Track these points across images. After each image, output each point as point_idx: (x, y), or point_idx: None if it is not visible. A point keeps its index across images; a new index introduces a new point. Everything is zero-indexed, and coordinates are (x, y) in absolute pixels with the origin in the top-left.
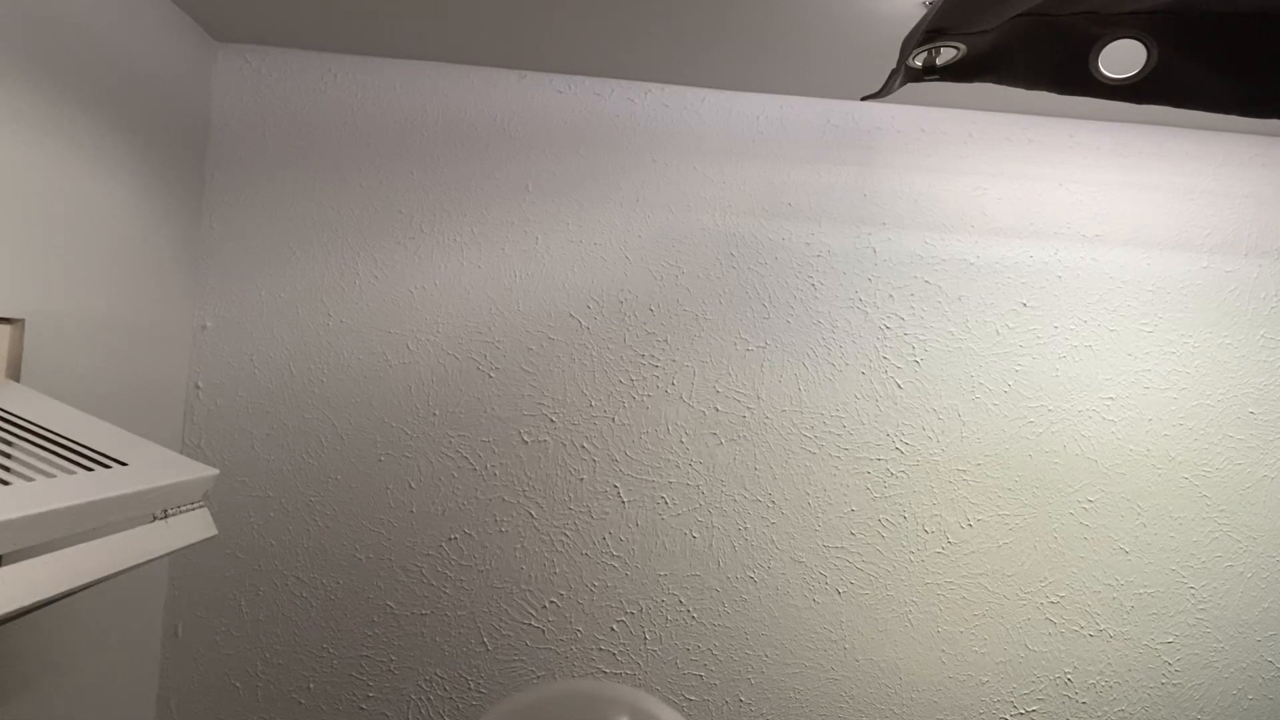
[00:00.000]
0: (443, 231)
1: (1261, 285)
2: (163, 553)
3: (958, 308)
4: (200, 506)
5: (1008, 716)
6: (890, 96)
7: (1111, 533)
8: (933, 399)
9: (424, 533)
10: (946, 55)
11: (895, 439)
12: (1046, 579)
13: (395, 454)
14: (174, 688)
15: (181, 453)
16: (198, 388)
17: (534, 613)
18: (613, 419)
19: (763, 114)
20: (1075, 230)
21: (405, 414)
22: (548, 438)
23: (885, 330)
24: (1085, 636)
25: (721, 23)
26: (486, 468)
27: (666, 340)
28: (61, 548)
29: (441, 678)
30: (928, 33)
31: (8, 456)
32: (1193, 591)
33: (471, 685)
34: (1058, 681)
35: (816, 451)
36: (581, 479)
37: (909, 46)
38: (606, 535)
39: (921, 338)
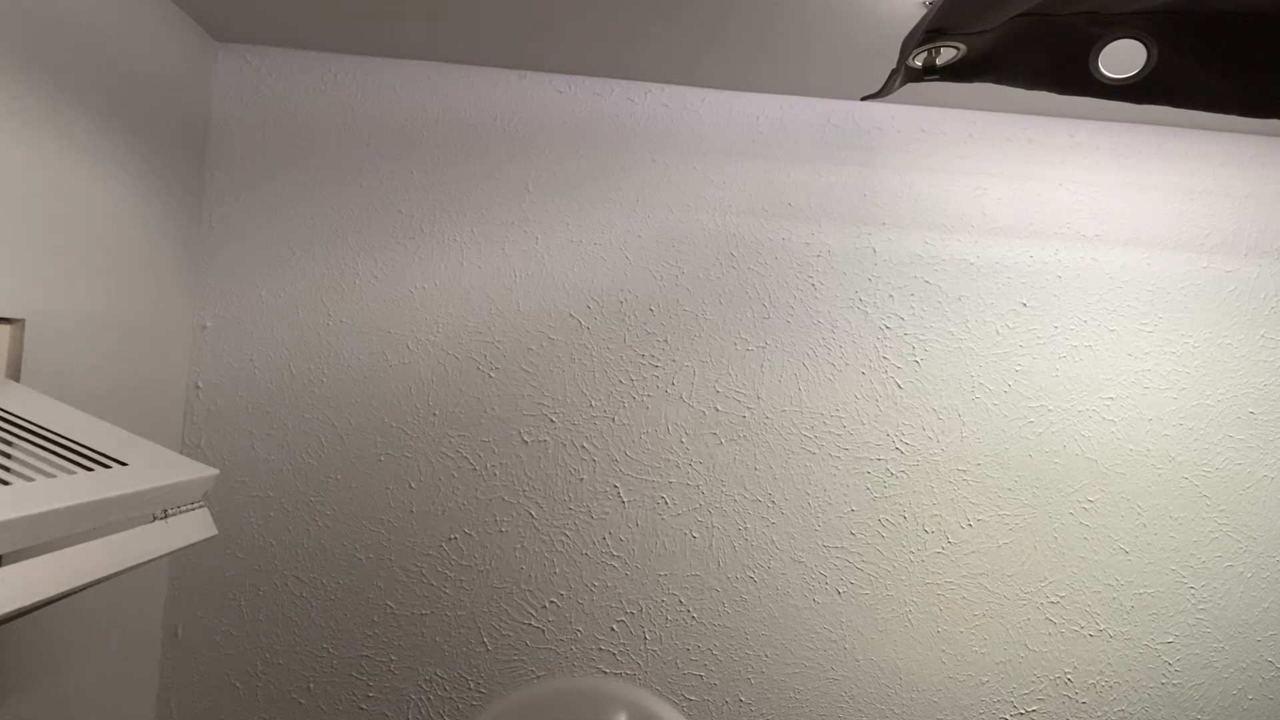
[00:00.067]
0: (443, 231)
1: (1261, 285)
2: (163, 553)
3: (958, 308)
4: (200, 506)
5: (1008, 716)
6: (890, 96)
7: (1111, 533)
8: (933, 399)
9: (424, 533)
10: (946, 55)
11: (895, 439)
12: (1046, 579)
13: (395, 454)
14: (174, 688)
15: (181, 453)
16: (198, 388)
17: (534, 613)
18: (613, 419)
19: (763, 114)
20: (1075, 230)
21: (405, 414)
22: (548, 438)
23: (885, 330)
24: (1085, 636)
25: (721, 23)
26: (486, 468)
27: (666, 340)
28: (61, 548)
29: (441, 678)
30: (928, 33)
31: (8, 456)
32: (1193, 591)
33: (471, 685)
34: (1058, 681)
35: (816, 451)
36: (581, 479)
37: (909, 46)
38: (606, 535)
39: (921, 338)
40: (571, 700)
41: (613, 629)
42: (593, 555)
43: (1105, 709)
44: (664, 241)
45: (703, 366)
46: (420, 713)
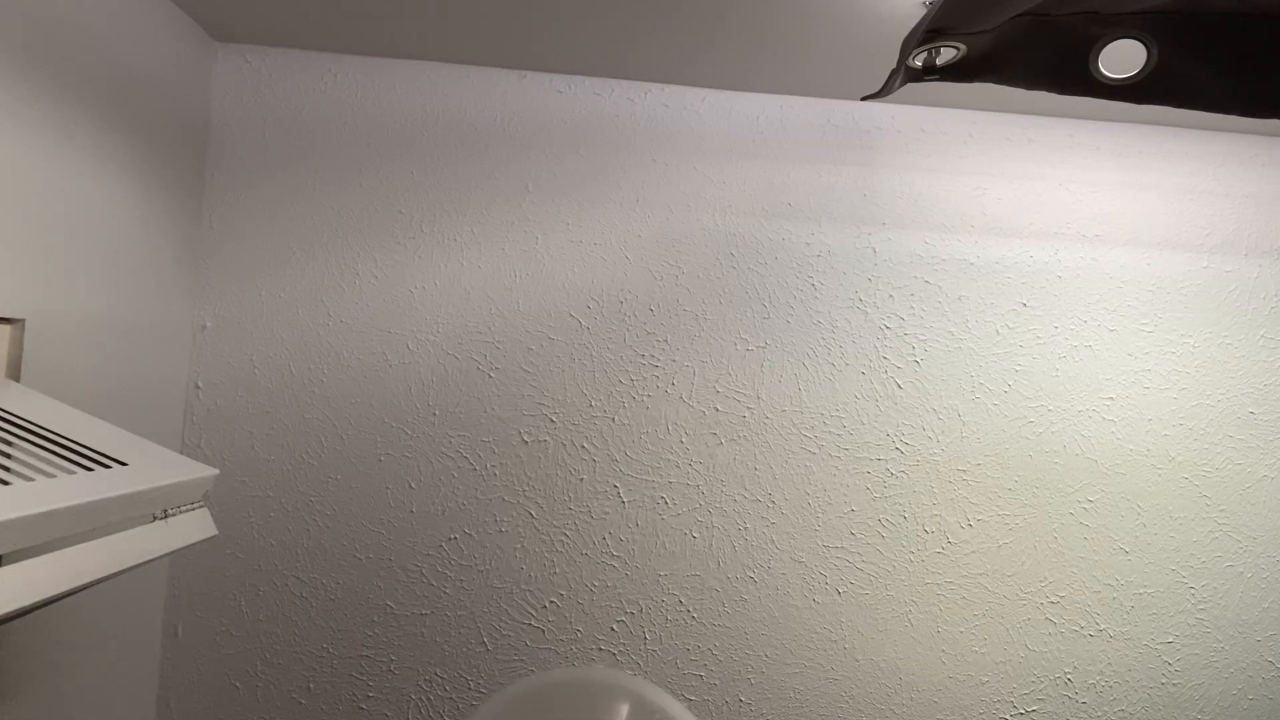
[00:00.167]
0: (443, 231)
1: (1261, 285)
2: (163, 553)
3: (958, 308)
4: (200, 506)
5: (1008, 716)
6: (890, 96)
7: (1111, 533)
8: (933, 399)
9: (424, 533)
10: (946, 55)
11: (895, 439)
12: (1046, 579)
13: (395, 454)
14: (174, 688)
15: (181, 453)
16: (198, 388)
17: (534, 613)
18: (613, 419)
19: (763, 114)
20: (1075, 230)
21: (405, 414)
22: (548, 438)
23: (885, 330)
24: (1085, 636)
25: (721, 23)
26: (486, 468)
27: (666, 340)
28: (61, 548)
29: (441, 678)
30: (928, 33)
31: (8, 456)
32: (1193, 591)
33: (471, 685)
34: (1058, 681)
35: (816, 451)
36: (581, 479)
37: (909, 46)
38: (606, 535)
39: (921, 338)
40: (574, 691)
41: (613, 629)
42: (593, 555)
43: (1105, 709)
44: (664, 241)
45: (703, 366)
46: (420, 713)
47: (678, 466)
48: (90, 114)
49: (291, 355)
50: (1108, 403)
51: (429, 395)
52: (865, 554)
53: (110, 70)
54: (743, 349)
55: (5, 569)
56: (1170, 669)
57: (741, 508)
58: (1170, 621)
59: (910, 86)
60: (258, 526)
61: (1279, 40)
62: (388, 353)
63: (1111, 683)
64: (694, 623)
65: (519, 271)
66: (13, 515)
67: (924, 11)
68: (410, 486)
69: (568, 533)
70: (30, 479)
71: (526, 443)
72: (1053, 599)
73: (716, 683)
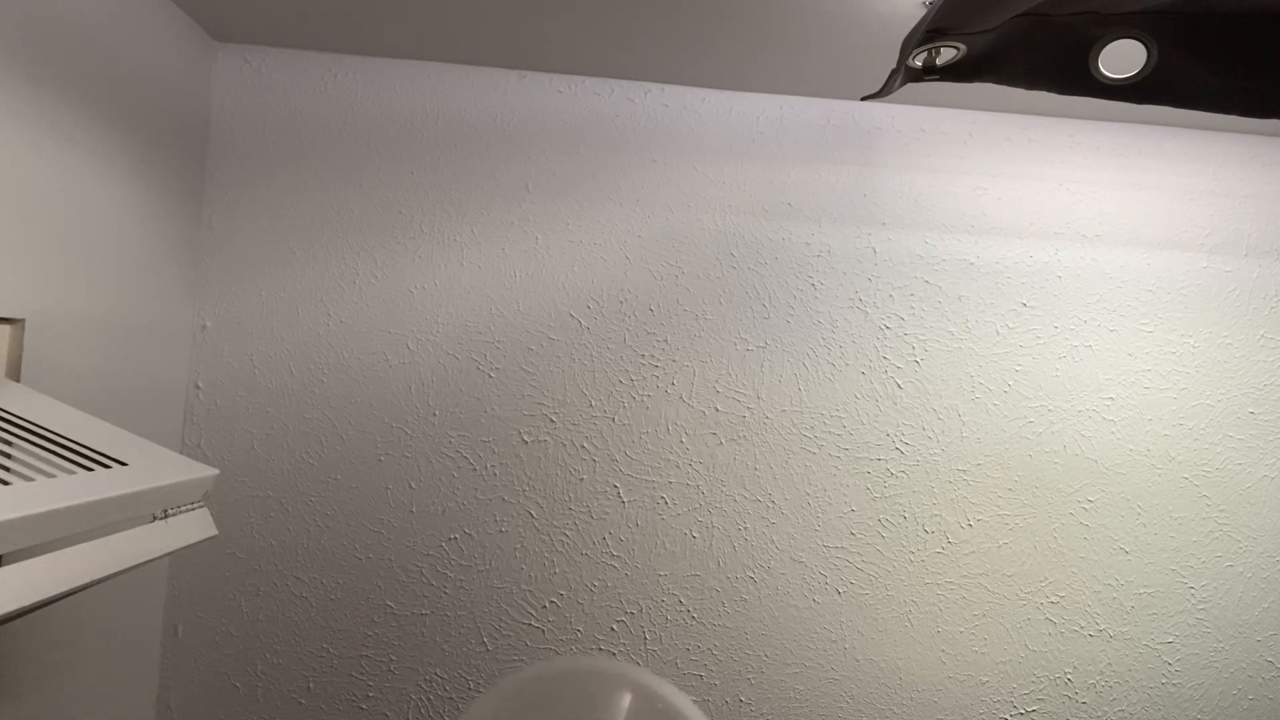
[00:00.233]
0: (443, 231)
1: (1261, 285)
2: (163, 553)
3: (958, 308)
4: (200, 506)
5: (1008, 716)
6: (890, 96)
7: (1111, 533)
8: (933, 399)
9: (424, 533)
10: (946, 55)
11: (895, 439)
12: (1046, 579)
13: (395, 454)
14: (174, 688)
15: (181, 453)
16: (198, 388)
17: (534, 613)
18: (613, 419)
19: (763, 114)
20: (1075, 230)
21: (405, 414)
22: (548, 438)
23: (885, 330)
24: (1085, 636)
25: (722, 23)
26: (486, 468)
27: (666, 340)
28: (61, 548)
29: (441, 678)
30: (928, 33)
31: (8, 456)
32: (1193, 591)
33: (471, 685)
34: (1058, 681)
35: (816, 451)
36: (581, 479)
37: (909, 46)
38: (606, 535)
39: (921, 338)
40: (577, 679)
41: (613, 629)
42: (593, 555)
43: (1105, 709)
44: (664, 241)
45: (703, 366)
46: (420, 713)
47: (678, 466)
48: (90, 114)
49: (291, 355)
50: (1108, 403)
51: (429, 395)
52: (865, 554)
53: (110, 70)
54: (743, 349)
55: (5, 569)
56: (1170, 669)
57: (741, 508)
58: (1170, 621)
59: (910, 86)
60: (258, 526)
61: (1279, 40)
62: (388, 353)
63: (1111, 683)
64: (694, 623)
65: (519, 271)
66: (13, 515)
67: (924, 11)
68: (410, 486)
69: (568, 533)
70: (30, 479)
71: (526, 443)
72: (1053, 599)
73: (716, 683)
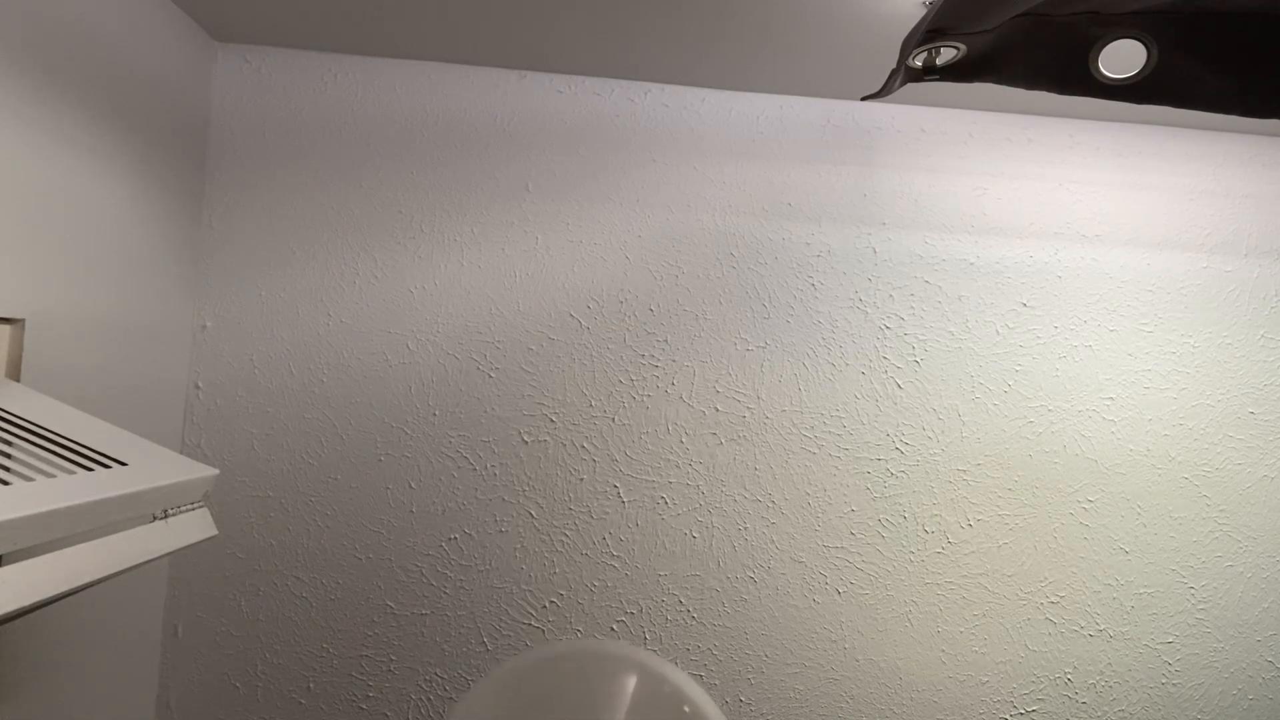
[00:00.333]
0: (443, 231)
1: (1261, 285)
2: (163, 553)
3: (958, 308)
4: (200, 506)
5: (1008, 716)
6: (890, 96)
7: (1111, 533)
8: (933, 399)
9: (424, 533)
10: (946, 55)
11: (895, 439)
12: (1046, 579)
13: (395, 454)
14: (174, 688)
15: (181, 453)
16: (198, 388)
17: (534, 613)
18: (613, 419)
19: (763, 114)
20: (1075, 230)
21: (405, 414)
22: (548, 438)
23: (885, 330)
24: (1085, 636)
25: (722, 23)
26: (486, 468)
27: (666, 340)
28: (61, 548)
29: (441, 678)
30: (928, 33)
31: (8, 456)
32: (1193, 591)
33: (471, 685)
34: (1058, 681)
35: (816, 451)
36: (581, 479)
37: (909, 46)
38: (606, 535)
39: (921, 338)
40: (581, 661)
41: (613, 629)
42: (593, 555)
43: (1105, 709)
44: (664, 241)
45: (703, 366)
46: (420, 713)
47: (678, 466)
48: (90, 114)
49: (291, 355)
50: (1108, 403)
51: (429, 395)
52: (865, 554)
53: (110, 70)
54: (743, 349)
55: (5, 569)
56: (1170, 669)
57: (741, 508)
58: (1170, 621)
59: (910, 86)
60: (258, 526)
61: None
62: (388, 353)
63: (1111, 683)
64: (694, 623)
65: (519, 271)
66: (13, 515)
67: (924, 11)
68: (410, 486)
69: (568, 533)
70: (30, 479)
71: (526, 443)
72: (1053, 599)
73: (716, 683)
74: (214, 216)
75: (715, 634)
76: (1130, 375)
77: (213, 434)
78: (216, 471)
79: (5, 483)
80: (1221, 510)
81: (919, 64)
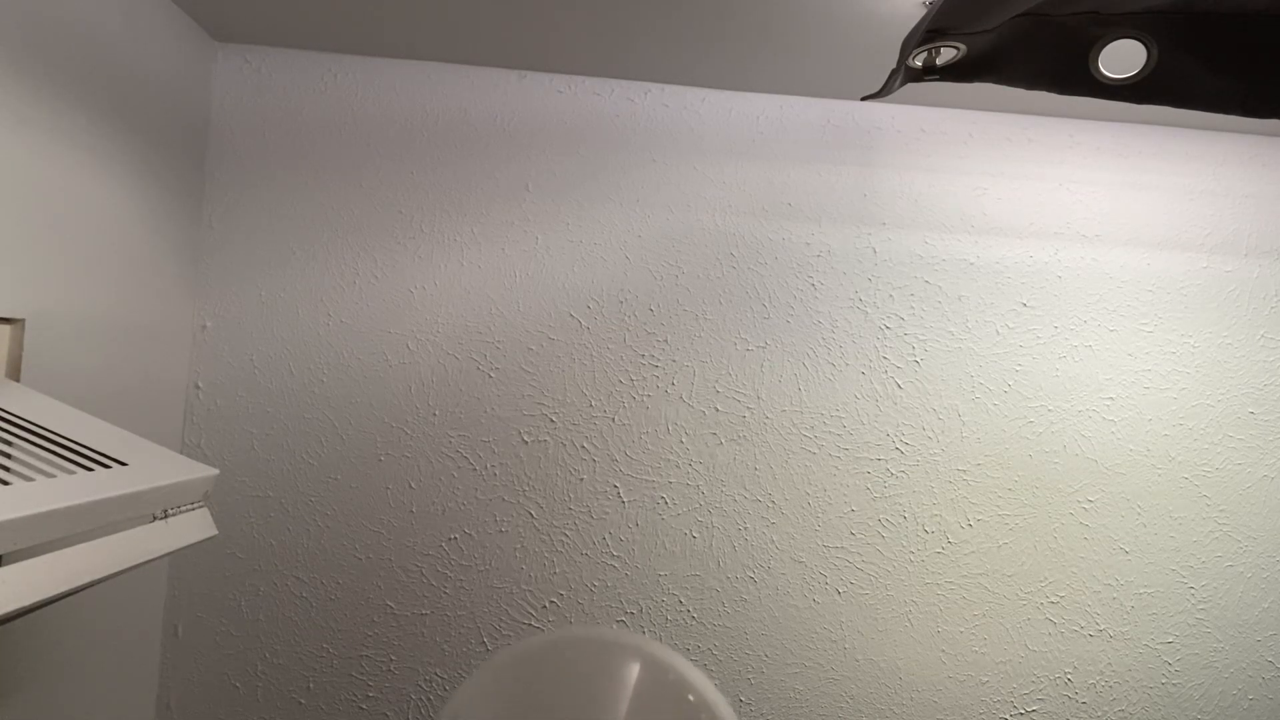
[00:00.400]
0: (443, 231)
1: (1261, 285)
2: (163, 553)
3: (958, 308)
4: (200, 506)
5: (1008, 716)
6: (890, 96)
7: (1111, 533)
8: (933, 399)
9: (424, 533)
10: (946, 55)
11: (895, 439)
12: (1046, 579)
13: (395, 454)
14: (174, 688)
15: (181, 453)
16: (198, 388)
17: (534, 613)
18: (613, 419)
19: (763, 114)
20: (1075, 230)
21: (405, 414)
22: (548, 438)
23: (885, 330)
24: (1085, 636)
25: (721, 23)
26: (486, 468)
27: (666, 340)
28: (61, 548)
29: (441, 678)
30: (928, 33)
31: (8, 456)
32: (1193, 591)
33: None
34: (1058, 681)
35: (816, 451)
36: (581, 479)
37: (909, 46)
38: (606, 535)
39: (921, 338)
40: (585, 648)
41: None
42: (593, 555)
43: (1105, 709)
44: (664, 241)
45: (703, 366)
46: (420, 713)
47: (678, 466)
48: (90, 114)
49: (291, 355)
50: (1108, 403)
51: (429, 395)
52: (865, 554)
53: (110, 70)
54: (743, 349)
55: (5, 569)
56: (1170, 669)
57: (741, 508)
58: (1170, 621)
59: (910, 86)
60: (258, 526)
61: (1279, 40)
62: (388, 353)
63: (1111, 683)
64: (694, 623)
65: (519, 271)
66: (13, 515)
67: (924, 11)
68: (410, 486)
69: (568, 533)
70: (30, 479)
71: (526, 443)
72: (1053, 599)
73: (716, 683)
74: (214, 216)
75: (715, 634)
76: (1130, 375)
77: (213, 434)
78: (216, 471)
79: (5, 483)
80: (1221, 510)
81: (919, 64)
